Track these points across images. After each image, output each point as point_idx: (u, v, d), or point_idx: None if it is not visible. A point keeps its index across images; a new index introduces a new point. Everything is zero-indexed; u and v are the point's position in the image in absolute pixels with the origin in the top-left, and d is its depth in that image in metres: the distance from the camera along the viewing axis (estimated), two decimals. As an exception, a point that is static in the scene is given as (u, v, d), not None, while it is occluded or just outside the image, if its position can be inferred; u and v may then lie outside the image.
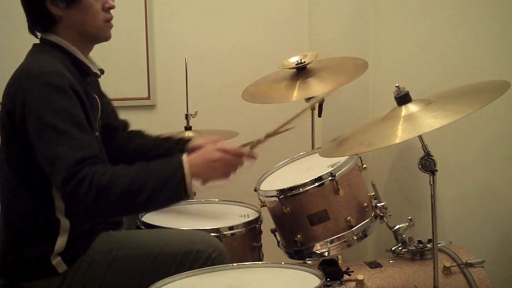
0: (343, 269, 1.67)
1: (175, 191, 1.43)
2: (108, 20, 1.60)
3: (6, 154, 1.52)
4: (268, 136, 1.55)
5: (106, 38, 1.61)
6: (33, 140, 1.43)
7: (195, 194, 1.54)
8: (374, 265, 1.75)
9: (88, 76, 1.61)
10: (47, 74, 1.44)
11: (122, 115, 1.91)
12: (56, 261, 1.49)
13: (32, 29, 1.59)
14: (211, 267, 1.45)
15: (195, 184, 1.48)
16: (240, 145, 1.56)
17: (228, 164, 1.51)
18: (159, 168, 1.46)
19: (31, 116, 1.42)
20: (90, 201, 1.38)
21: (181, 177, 1.43)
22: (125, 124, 1.90)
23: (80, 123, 1.45)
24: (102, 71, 1.66)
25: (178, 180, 1.43)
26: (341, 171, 1.75)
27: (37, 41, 1.60)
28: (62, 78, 1.45)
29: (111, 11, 1.60)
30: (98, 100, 1.64)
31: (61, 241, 1.50)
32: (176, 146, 1.83)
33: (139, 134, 1.91)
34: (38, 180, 1.49)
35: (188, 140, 1.86)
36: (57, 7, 1.52)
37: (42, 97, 1.42)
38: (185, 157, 1.47)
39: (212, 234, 1.67)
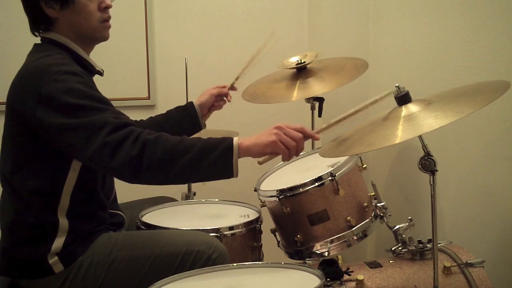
0: (343, 269, 1.67)
1: (221, 158, 1.39)
2: (105, 20, 1.58)
3: (14, 152, 1.50)
4: (330, 125, 1.51)
5: (104, 38, 1.60)
6: (60, 128, 1.39)
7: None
8: (374, 265, 1.75)
9: (91, 74, 1.61)
10: (56, 64, 1.44)
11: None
12: (53, 260, 1.49)
13: (33, 29, 1.58)
14: (211, 267, 1.45)
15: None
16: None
17: (286, 146, 1.45)
18: (206, 139, 1.44)
19: (53, 104, 1.39)
20: (134, 154, 1.35)
21: (229, 145, 1.41)
22: None
23: (105, 100, 1.45)
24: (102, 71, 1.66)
25: (225, 146, 1.40)
26: (341, 171, 1.75)
27: (38, 41, 1.59)
28: (72, 66, 1.46)
29: (110, 10, 1.58)
30: None
31: (58, 242, 1.49)
32: (184, 112, 1.90)
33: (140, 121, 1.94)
34: (47, 178, 1.48)
35: (190, 103, 1.91)
36: (52, 9, 1.52)
37: (59, 85, 1.40)
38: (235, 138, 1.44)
39: (212, 234, 1.67)
